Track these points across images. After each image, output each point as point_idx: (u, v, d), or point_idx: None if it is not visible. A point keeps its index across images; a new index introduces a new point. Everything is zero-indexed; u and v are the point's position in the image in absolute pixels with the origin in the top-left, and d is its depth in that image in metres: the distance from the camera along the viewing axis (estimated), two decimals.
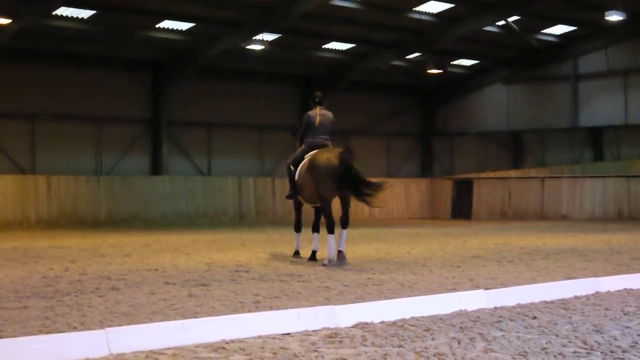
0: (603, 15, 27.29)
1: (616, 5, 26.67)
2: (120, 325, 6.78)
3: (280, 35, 30.02)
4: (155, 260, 13.42)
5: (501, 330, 6.76)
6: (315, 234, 13.55)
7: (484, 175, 36.46)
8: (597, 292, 9.02)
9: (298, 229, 13.98)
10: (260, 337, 6.45)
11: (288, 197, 13.72)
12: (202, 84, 31.98)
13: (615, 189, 32.19)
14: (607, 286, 9.28)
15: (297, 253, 13.89)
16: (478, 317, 7.39)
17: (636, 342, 6.18)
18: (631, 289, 9.31)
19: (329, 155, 12.53)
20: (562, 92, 35.24)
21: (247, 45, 29.46)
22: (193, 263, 12.94)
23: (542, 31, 33.44)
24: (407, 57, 33.95)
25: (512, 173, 36.25)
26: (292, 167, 13.45)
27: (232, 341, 6.27)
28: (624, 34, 32.87)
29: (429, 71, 34.40)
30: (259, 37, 28.97)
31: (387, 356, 5.76)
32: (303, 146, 13.39)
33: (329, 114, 13.47)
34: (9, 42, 25.73)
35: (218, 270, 11.66)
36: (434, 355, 5.77)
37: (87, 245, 17.31)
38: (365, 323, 7.04)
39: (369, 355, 5.78)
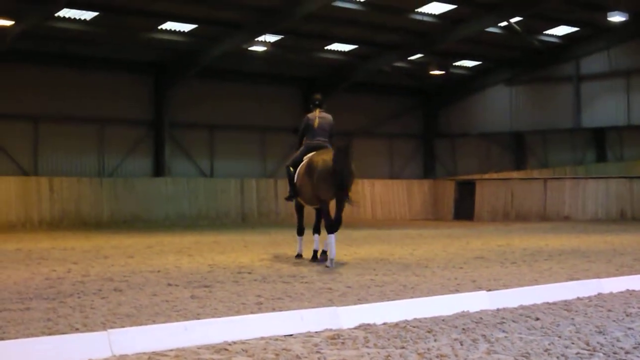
0: (605, 16, 27.30)
1: (618, 6, 26.68)
2: (123, 326, 6.79)
3: (282, 36, 30.03)
4: (157, 262, 13.42)
5: (504, 331, 6.75)
6: (317, 235, 13.66)
7: (486, 176, 36.45)
8: (599, 294, 9.01)
9: (300, 232, 14.06)
10: (262, 338, 6.45)
11: (287, 198, 13.79)
12: (205, 86, 32.00)
13: (617, 190, 32.16)
14: (609, 287, 9.27)
15: (299, 256, 13.92)
16: (480, 318, 7.38)
17: (639, 344, 6.18)
18: (634, 290, 9.30)
19: (325, 158, 12.64)
20: (565, 93, 35.22)
21: (250, 46, 29.47)
22: (195, 264, 12.94)
23: (544, 32, 33.43)
24: (409, 58, 33.96)
25: (515, 174, 36.23)
26: (291, 169, 13.51)
27: (235, 342, 6.28)
28: (626, 34, 32.85)
29: (432, 72, 34.42)
30: (261, 38, 28.97)
31: (389, 357, 5.76)
32: (302, 148, 13.48)
33: (328, 116, 13.55)
34: (12, 43, 25.74)
35: (220, 272, 11.66)
36: (437, 357, 5.77)
37: (89, 247, 17.32)
38: (368, 324, 7.04)
39: (371, 357, 5.78)
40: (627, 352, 5.87)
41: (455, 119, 38.40)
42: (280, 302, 8.42)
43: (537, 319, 7.35)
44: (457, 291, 9.15)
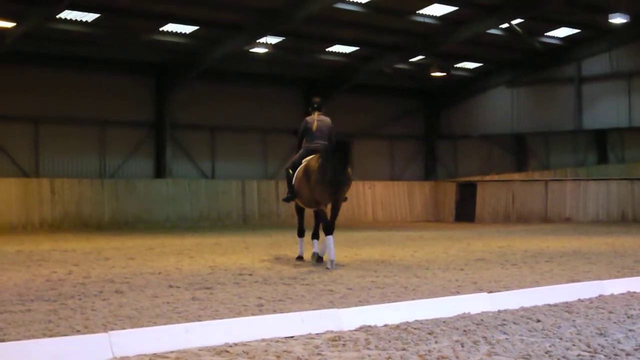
0: (607, 18, 27.29)
1: (620, 7, 26.66)
2: (124, 328, 6.78)
3: (283, 38, 30.04)
4: (158, 264, 13.42)
5: (505, 333, 6.75)
6: (315, 240, 13.83)
7: (487, 178, 36.45)
8: (600, 295, 9.00)
9: (301, 233, 14.16)
10: (263, 340, 6.45)
11: (285, 199, 13.89)
12: (206, 87, 32.02)
13: (619, 192, 32.16)
14: (610, 289, 9.27)
15: (300, 257, 13.95)
16: (481, 320, 7.38)
17: None
18: (635, 292, 9.29)
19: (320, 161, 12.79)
20: (566, 94, 35.22)
21: (251, 48, 29.50)
22: (197, 266, 12.95)
23: (545, 34, 33.44)
24: (410, 60, 33.98)
25: (516, 176, 36.22)
26: (290, 171, 13.63)
27: (236, 344, 6.27)
28: (627, 36, 32.85)
29: (433, 74, 34.41)
30: (262, 40, 28.98)
31: (390, 359, 5.75)
32: (301, 151, 13.59)
33: (327, 119, 13.69)
34: (13, 45, 25.77)
35: (222, 274, 11.66)
36: (438, 359, 5.77)
37: (90, 249, 17.32)
38: (369, 326, 7.03)
39: (372, 359, 5.78)
40: (628, 354, 5.87)
41: (457, 121, 38.40)
42: (281, 304, 8.42)
43: (538, 320, 7.35)
44: (458, 293, 9.14)
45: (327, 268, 12.37)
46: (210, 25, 28.19)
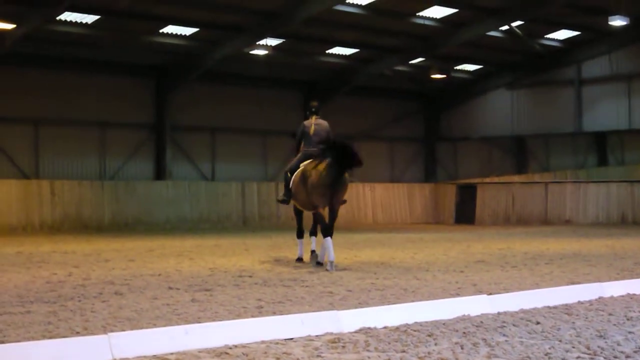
0: (607, 20, 27.29)
1: (620, 10, 26.66)
2: (124, 330, 6.79)
3: (283, 40, 30.04)
4: (158, 265, 13.43)
5: (504, 335, 6.75)
6: (313, 237, 14.01)
7: (487, 180, 36.45)
8: (600, 298, 9.00)
9: (300, 235, 14.27)
10: (263, 342, 6.45)
11: (281, 201, 14.06)
12: (206, 89, 32.02)
13: (619, 194, 32.17)
14: (610, 291, 9.27)
15: (300, 259, 14.01)
16: (481, 322, 7.38)
17: (639, 347, 6.17)
18: (634, 294, 9.29)
19: (316, 167, 12.99)
20: (566, 97, 35.23)
21: (251, 50, 29.51)
22: (196, 268, 12.95)
23: (545, 36, 33.44)
24: (410, 62, 33.98)
25: (516, 178, 36.23)
26: (289, 175, 13.79)
27: (235, 346, 6.28)
28: (627, 38, 32.86)
29: (433, 76, 34.45)
30: (262, 42, 29.00)
31: None
32: (299, 155, 13.75)
33: (325, 123, 13.83)
34: (13, 46, 25.77)
35: (221, 275, 11.66)
36: None
37: (90, 250, 17.32)
38: (369, 328, 7.04)
39: None
40: (627, 356, 5.87)
41: (457, 123, 38.41)
42: (281, 306, 8.42)
43: (538, 322, 7.35)
44: (457, 295, 9.14)
45: (326, 270, 12.39)
46: (211, 27, 28.19)
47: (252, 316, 7.64)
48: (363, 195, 34.56)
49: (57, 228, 26.99)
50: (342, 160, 12.68)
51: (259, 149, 33.92)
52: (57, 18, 25.59)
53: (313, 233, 14.01)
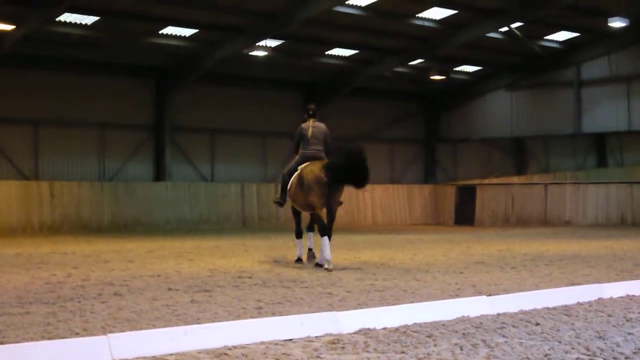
0: (606, 22, 27.28)
1: (619, 11, 26.67)
2: (123, 331, 6.78)
3: (283, 41, 30.04)
4: (158, 266, 13.42)
5: (504, 336, 6.75)
6: (310, 233, 14.18)
7: (487, 181, 36.46)
8: (599, 299, 9.00)
9: (299, 235, 14.32)
10: (262, 343, 6.44)
11: (276, 202, 14.29)
12: (206, 90, 32.01)
13: (618, 195, 32.17)
14: (610, 292, 9.27)
15: (299, 260, 14.04)
16: (481, 323, 7.38)
17: (639, 349, 6.17)
18: (634, 296, 9.29)
19: (312, 169, 13.19)
20: (566, 98, 35.23)
21: (251, 51, 29.51)
22: (196, 269, 12.95)
23: (545, 37, 33.45)
24: (410, 63, 33.98)
25: (516, 179, 36.24)
26: (286, 177, 13.94)
27: (235, 347, 6.28)
28: (627, 40, 32.87)
29: (433, 77, 34.46)
30: (262, 43, 28.99)
31: None
32: (297, 157, 13.91)
33: (322, 125, 13.97)
34: (13, 47, 25.77)
35: (221, 276, 11.66)
36: None
37: (90, 251, 17.32)
38: (368, 329, 7.04)
39: None
40: (627, 358, 5.87)
41: (456, 124, 38.42)
42: (281, 307, 8.42)
43: (537, 324, 7.35)
44: (457, 296, 9.14)
45: (325, 269, 12.48)
46: (210, 28, 28.19)
47: (252, 317, 7.64)
48: (362, 197, 34.54)
49: (57, 229, 26.98)
50: (351, 177, 12.85)
51: (258, 150, 33.92)
52: (57, 19, 25.59)
53: (310, 229, 14.14)
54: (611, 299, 9.05)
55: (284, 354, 6.04)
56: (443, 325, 7.28)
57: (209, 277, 11.62)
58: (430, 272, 12.25)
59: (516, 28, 31.00)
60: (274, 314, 7.81)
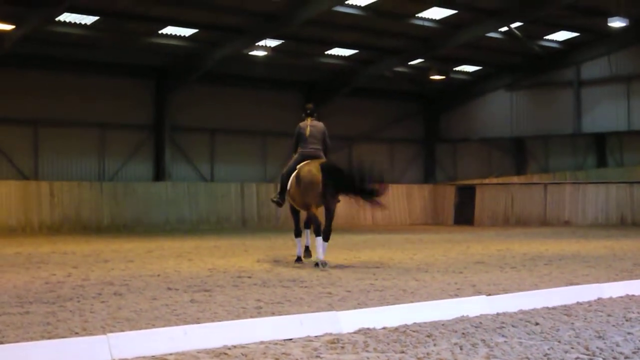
0: (606, 22, 27.30)
1: (619, 11, 26.68)
2: (123, 330, 6.78)
3: (283, 41, 30.05)
4: (157, 266, 13.42)
5: (503, 336, 6.75)
6: (307, 230, 14.19)
7: (486, 181, 36.46)
8: (599, 299, 9.00)
9: (298, 234, 14.34)
10: (262, 342, 6.44)
11: (274, 201, 14.30)
12: (206, 90, 32.01)
13: (618, 195, 32.17)
14: (609, 292, 9.27)
15: (299, 259, 14.04)
16: (480, 323, 7.38)
17: (638, 349, 6.17)
18: (633, 295, 9.29)
19: (310, 168, 13.31)
20: (565, 98, 35.24)
21: (250, 51, 29.51)
22: (196, 269, 12.95)
23: (545, 37, 33.45)
24: (410, 63, 33.98)
25: (515, 179, 36.24)
26: (286, 177, 13.97)
27: (234, 347, 6.27)
28: (626, 40, 32.88)
29: (432, 77, 34.46)
30: (262, 43, 28.99)
31: None
32: (296, 156, 13.97)
33: (320, 124, 14.10)
34: (13, 47, 25.77)
35: (220, 276, 11.66)
36: None
37: (89, 251, 17.32)
38: (368, 329, 7.04)
39: None
40: (626, 357, 5.87)
41: (456, 124, 38.42)
42: (280, 307, 8.42)
43: (537, 323, 7.35)
44: (456, 296, 9.14)
45: (322, 267, 12.62)
46: (210, 28, 28.19)
47: (251, 317, 7.64)
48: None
49: (56, 229, 26.98)
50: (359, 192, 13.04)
51: (258, 149, 33.92)
52: (57, 19, 25.60)
53: (307, 226, 14.17)
54: (611, 298, 9.05)
55: (283, 353, 6.04)
56: (443, 325, 7.28)
57: (209, 276, 11.62)
58: (430, 272, 12.25)
59: (516, 28, 31.01)
60: (273, 314, 7.81)
